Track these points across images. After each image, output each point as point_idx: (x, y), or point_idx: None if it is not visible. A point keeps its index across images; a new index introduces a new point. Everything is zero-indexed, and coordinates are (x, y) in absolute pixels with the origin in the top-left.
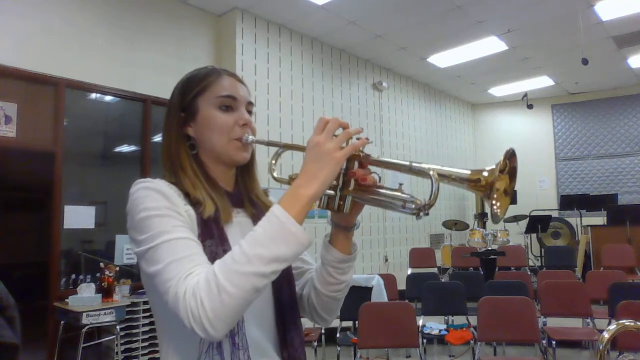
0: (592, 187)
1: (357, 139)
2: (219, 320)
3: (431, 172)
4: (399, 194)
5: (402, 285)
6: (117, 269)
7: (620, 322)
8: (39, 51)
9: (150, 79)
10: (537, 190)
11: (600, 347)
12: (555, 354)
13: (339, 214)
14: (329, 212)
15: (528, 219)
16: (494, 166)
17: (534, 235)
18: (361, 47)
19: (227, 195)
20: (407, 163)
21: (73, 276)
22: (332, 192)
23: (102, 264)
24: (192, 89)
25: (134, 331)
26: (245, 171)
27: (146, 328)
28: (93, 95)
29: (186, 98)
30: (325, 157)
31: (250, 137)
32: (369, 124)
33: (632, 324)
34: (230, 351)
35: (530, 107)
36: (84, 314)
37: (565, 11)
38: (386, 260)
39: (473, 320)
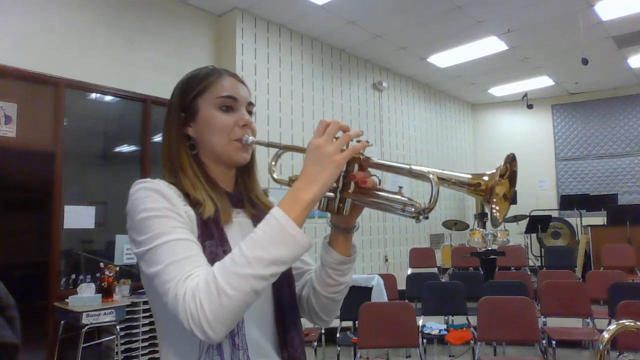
0: (592, 187)
1: (358, 141)
2: (218, 323)
3: (431, 176)
4: (398, 197)
5: (402, 285)
6: (117, 269)
7: (620, 322)
8: (39, 51)
9: (150, 79)
10: (537, 190)
11: (600, 347)
12: (555, 354)
13: (338, 216)
14: (328, 214)
15: (528, 219)
16: (494, 170)
17: (534, 235)
18: (361, 47)
19: (227, 195)
20: (407, 166)
21: (73, 276)
22: (332, 194)
23: (102, 264)
24: (192, 89)
25: (134, 331)
26: (245, 172)
27: (146, 328)
28: (93, 95)
29: (186, 98)
30: (325, 160)
31: (251, 137)
32: (369, 124)
33: (632, 324)
34: (230, 352)
35: (530, 107)
36: (84, 314)
37: (565, 11)
38: (386, 260)
39: (473, 320)
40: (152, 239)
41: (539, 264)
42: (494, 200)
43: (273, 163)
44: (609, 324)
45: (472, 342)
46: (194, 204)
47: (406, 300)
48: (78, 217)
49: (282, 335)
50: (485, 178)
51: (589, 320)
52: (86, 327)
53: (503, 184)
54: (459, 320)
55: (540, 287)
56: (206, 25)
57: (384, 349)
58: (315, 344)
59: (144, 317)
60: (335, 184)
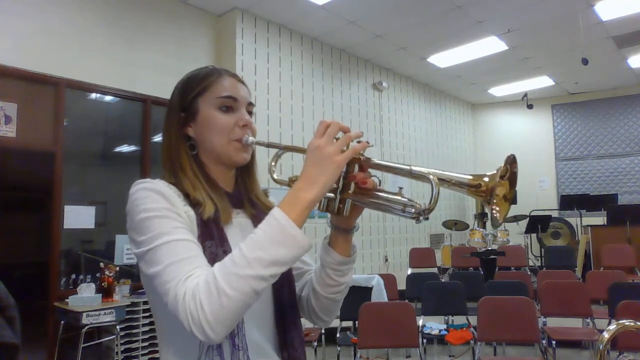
0: (592, 187)
1: (358, 142)
2: (218, 323)
3: (431, 177)
4: (398, 197)
5: (402, 285)
6: (117, 269)
7: (620, 322)
8: (39, 51)
9: (150, 79)
10: (537, 190)
11: (600, 347)
12: (555, 354)
13: (338, 216)
14: (328, 214)
15: (528, 219)
16: (494, 171)
17: (534, 235)
18: (361, 47)
19: (227, 196)
20: (407, 167)
21: (73, 276)
22: (332, 194)
23: (102, 264)
24: (192, 89)
25: (134, 331)
26: (245, 172)
27: (146, 328)
28: (93, 95)
29: (186, 98)
30: (325, 161)
31: (251, 138)
32: (369, 124)
33: (632, 324)
34: (231, 352)
35: (530, 107)
36: (84, 314)
37: (565, 11)
38: (386, 260)
39: (473, 320)
40: (152, 239)
41: (539, 264)
42: (494, 201)
43: (273, 163)
44: (609, 324)
45: (472, 342)
46: (194, 204)
47: (406, 300)
48: (78, 217)
49: (282, 336)
50: (486, 179)
51: (589, 320)
52: (86, 327)
53: (503, 185)
54: (459, 320)
55: (540, 287)
56: (206, 25)
57: (384, 349)
58: (315, 344)
59: (144, 317)
60: (335, 185)
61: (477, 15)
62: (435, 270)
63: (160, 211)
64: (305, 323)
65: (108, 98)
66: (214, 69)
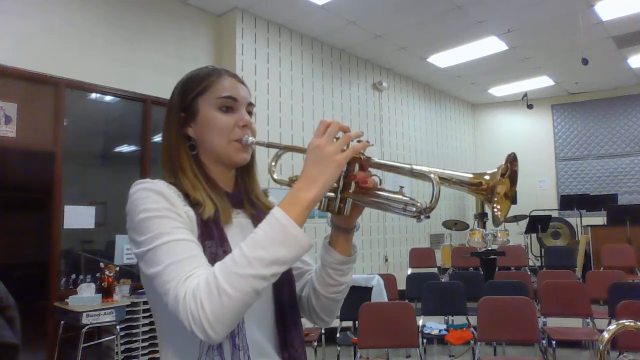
0: (592, 187)
1: (358, 141)
2: (219, 323)
3: (432, 176)
4: (399, 196)
5: (402, 285)
6: (117, 269)
7: (620, 322)
8: (39, 51)
9: (150, 79)
10: (537, 190)
11: (600, 347)
12: (555, 354)
13: (339, 216)
14: (329, 214)
15: (528, 219)
16: (495, 170)
17: (534, 235)
18: (361, 47)
19: (227, 196)
20: (408, 166)
21: (73, 276)
22: (332, 194)
23: (102, 264)
24: (192, 89)
25: (134, 331)
26: (245, 172)
27: (146, 328)
28: (93, 95)
29: (186, 98)
30: (326, 160)
31: (250, 138)
32: (369, 124)
33: (632, 324)
34: (231, 352)
35: (530, 107)
36: (84, 314)
37: (565, 11)
38: (386, 260)
39: (473, 320)
40: (152, 239)
41: (539, 264)
42: (496, 199)
43: (273, 163)
44: (609, 324)
45: (472, 342)
46: (194, 204)
47: (406, 300)
48: (78, 217)
49: (282, 336)
50: (487, 177)
51: (589, 320)
52: (86, 327)
53: (504, 183)
54: (459, 320)
55: (540, 287)
56: (206, 25)
57: (384, 349)
58: (315, 344)
59: (144, 317)
60: (335, 184)
61: (477, 15)
62: (435, 270)
63: (160, 211)
64: (305, 323)
65: (108, 98)
66: (214, 69)
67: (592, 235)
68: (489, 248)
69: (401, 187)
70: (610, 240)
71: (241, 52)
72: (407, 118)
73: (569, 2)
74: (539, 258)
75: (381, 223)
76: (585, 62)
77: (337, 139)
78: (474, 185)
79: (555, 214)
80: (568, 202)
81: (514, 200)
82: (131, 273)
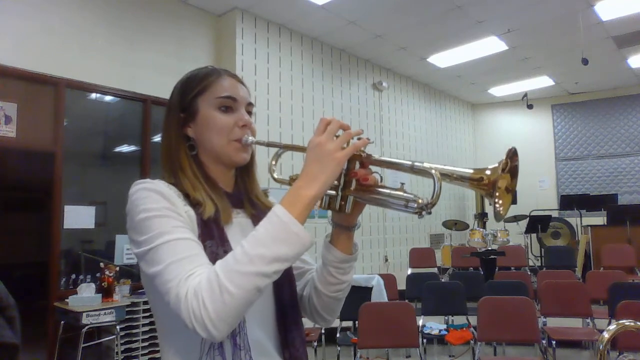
0: (592, 187)
1: (358, 139)
2: (221, 321)
3: (433, 172)
4: (401, 193)
5: (402, 285)
6: (117, 269)
7: (620, 322)
8: (39, 51)
9: (150, 79)
10: (537, 190)
11: (600, 347)
12: (555, 354)
13: (340, 214)
14: (329, 212)
15: (528, 219)
16: (496, 164)
17: (534, 235)
18: (361, 47)
19: (227, 196)
20: (409, 162)
21: (73, 276)
22: (333, 192)
23: (102, 264)
24: (192, 89)
25: (134, 331)
26: (245, 172)
27: (146, 328)
28: (93, 95)
29: (186, 98)
30: (326, 158)
31: (250, 138)
32: (369, 124)
33: (632, 324)
34: (232, 351)
35: (530, 107)
36: (84, 314)
37: (565, 11)
38: (386, 260)
39: (473, 320)
40: (153, 238)
41: (539, 264)
42: (497, 194)
43: (273, 162)
44: (609, 324)
45: (472, 342)
46: (194, 204)
47: (406, 300)
48: (78, 217)
49: (283, 335)
50: (488, 172)
51: (589, 320)
52: (86, 327)
53: (505, 178)
54: (459, 320)
55: (540, 287)
56: (206, 25)
57: (384, 349)
58: (315, 344)
59: (144, 317)
60: (336, 182)
61: (477, 15)
62: (435, 270)
63: (161, 211)
64: (306, 323)
65: (108, 98)
66: (213, 69)
67: (592, 235)
68: (489, 248)
69: (402, 184)
70: (610, 240)
71: (241, 52)
72: (407, 118)
73: (569, 2)
74: (539, 258)
75: (381, 223)
76: (585, 62)
77: (338, 136)
78: (475, 181)
79: (555, 214)
80: (568, 202)
81: (514, 200)
82: (131, 273)
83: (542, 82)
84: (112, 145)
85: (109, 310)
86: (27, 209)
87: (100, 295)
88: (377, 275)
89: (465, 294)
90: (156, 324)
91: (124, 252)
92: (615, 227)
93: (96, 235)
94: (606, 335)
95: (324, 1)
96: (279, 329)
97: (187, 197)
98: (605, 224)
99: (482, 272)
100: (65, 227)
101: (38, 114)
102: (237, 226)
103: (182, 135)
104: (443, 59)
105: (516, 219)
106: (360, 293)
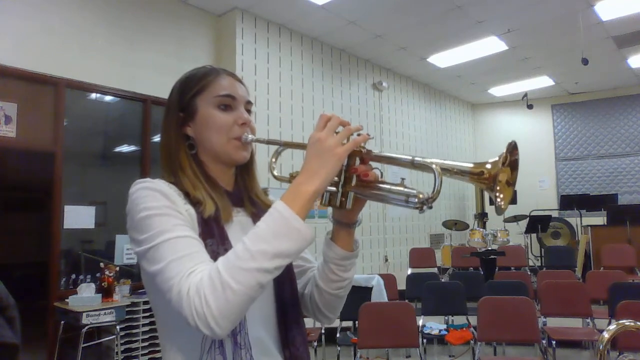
0: (592, 187)
1: (358, 135)
2: (224, 318)
3: (434, 166)
4: (401, 188)
5: (402, 285)
6: (117, 269)
7: (620, 322)
8: (39, 51)
9: (150, 79)
10: (537, 190)
11: (600, 347)
12: (555, 354)
13: (341, 210)
14: (329, 211)
15: (528, 219)
16: (496, 158)
17: (534, 235)
18: (361, 47)
19: (227, 194)
20: (410, 157)
21: (73, 276)
22: (334, 188)
23: (102, 264)
24: (190, 88)
25: (134, 331)
26: (245, 170)
27: (146, 328)
28: (93, 95)
29: (185, 98)
30: (326, 153)
31: (250, 136)
32: (369, 124)
33: (632, 324)
34: (232, 350)
35: (530, 107)
36: (84, 314)
37: (565, 11)
38: (386, 260)
39: (473, 320)
40: (154, 237)
41: (539, 264)
42: (498, 188)
43: (273, 160)
44: (609, 324)
45: (472, 342)
46: (194, 203)
47: (406, 300)
48: (78, 217)
49: (284, 334)
50: (488, 166)
51: (589, 320)
52: (86, 327)
53: (505, 172)
54: (459, 320)
55: (540, 287)
56: (206, 25)
57: (384, 349)
58: (316, 343)
59: (144, 317)
60: (337, 178)
61: (477, 15)
62: (435, 270)
63: (161, 209)
64: (306, 322)
65: (108, 98)
66: (212, 69)
67: (592, 235)
68: (489, 248)
69: (402, 179)
70: (610, 240)
71: (241, 52)
72: (407, 118)
73: (569, 2)
74: (539, 258)
75: (381, 223)
76: (585, 62)
77: (338, 133)
78: (476, 175)
79: (555, 214)
80: (568, 202)
81: (513, 200)
82: (131, 273)
83: (542, 82)
84: (112, 145)
85: (109, 310)
86: (27, 209)
87: (100, 295)
88: (377, 275)
89: (465, 294)
90: (157, 323)
91: (124, 252)
92: (615, 227)
93: (96, 235)
94: (606, 335)
95: (324, 1)
96: (280, 327)
97: (187, 196)
98: (605, 224)
99: (482, 272)
100: (65, 227)
101: (38, 114)
102: (237, 225)
103: (181, 135)
104: (443, 59)
105: (516, 219)
106: (360, 293)
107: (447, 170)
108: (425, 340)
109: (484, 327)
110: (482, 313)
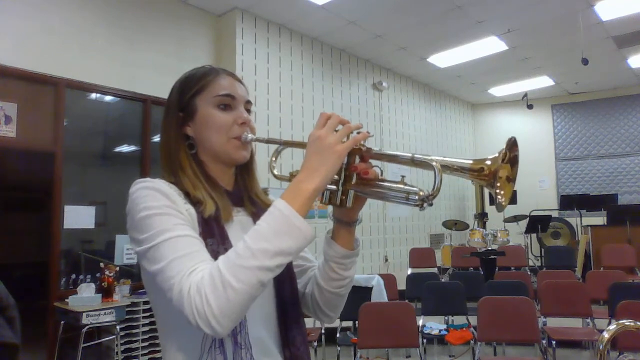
0: (592, 187)
1: (358, 133)
2: (225, 317)
3: (434, 163)
4: (401, 186)
5: (402, 285)
6: (117, 269)
7: (620, 322)
8: (39, 51)
9: (150, 79)
10: (537, 190)
11: (600, 347)
12: (555, 354)
13: (341, 209)
14: (329, 209)
15: (528, 219)
16: (496, 154)
17: (534, 235)
18: (361, 47)
19: (227, 194)
20: (410, 155)
21: (73, 276)
22: (334, 187)
23: (102, 264)
24: (190, 88)
25: (134, 331)
26: (245, 170)
27: (146, 328)
28: (93, 95)
29: (184, 97)
30: (326, 151)
31: (250, 135)
32: (369, 124)
33: (632, 324)
34: (233, 350)
35: (530, 107)
36: (84, 314)
37: (565, 11)
38: (386, 260)
39: (473, 320)
40: (154, 236)
41: (539, 264)
42: (498, 184)
43: (273, 159)
44: (609, 324)
45: (472, 342)
46: (195, 202)
47: (406, 300)
48: (78, 217)
49: (284, 334)
50: (488, 162)
51: (589, 320)
52: (86, 327)
53: (505, 168)
54: (459, 320)
55: (540, 287)
56: (206, 25)
57: (384, 349)
58: (316, 343)
59: (144, 317)
60: (337, 176)
61: (477, 15)
62: (435, 270)
63: (161, 209)
64: (306, 322)
65: (108, 98)
66: (211, 68)
67: (592, 235)
68: (489, 248)
69: (403, 177)
70: (610, 240)
71: (241, 52)
72: (407, 118)
73: (569, 2)
74: (539, 258)
75: (381, 223)
76: (585, 62)
77: (338, 131)
78: (476, 171)
79: (555, 214)
80: (568, 202)
81: (513, 200)
82: (131, 273)
83: (542, 82)
84: (112, 145)
85: (109, 310)
86: (27, 209)
87: (100, 295)
88: (377, 275)
89: (465, 294)
90: (157, 323)
91: (124, 252)
92: (615, 227)
93: (96, 235)
94: (606, 335)
95: (324, 1)
96: (280, 327)
97: (187, 195)
98: (605, 224)
99: (482, 272)
100: (65, 227)
101: (38, 114)
102: (237, 224)
103: (181, 135)
104: (443, 59)
105: (516, 219)
106: (360, 293)
107: (447, 167)
108: (425, 340)
109: (484, 327)
110: (482, 313)
